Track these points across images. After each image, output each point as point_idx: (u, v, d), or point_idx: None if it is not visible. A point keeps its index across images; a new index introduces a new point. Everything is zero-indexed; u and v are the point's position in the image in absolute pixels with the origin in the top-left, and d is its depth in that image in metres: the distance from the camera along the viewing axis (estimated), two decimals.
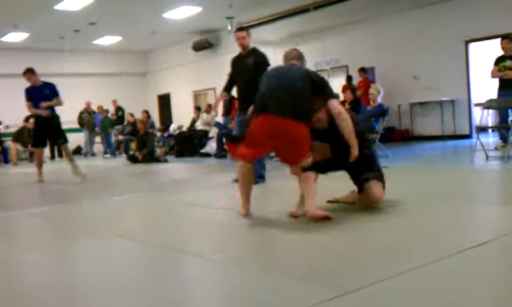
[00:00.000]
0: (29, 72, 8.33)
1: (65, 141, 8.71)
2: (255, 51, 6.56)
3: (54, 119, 8.43)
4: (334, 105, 4.06)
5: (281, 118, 3.91)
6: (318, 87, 4.08)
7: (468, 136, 11.86)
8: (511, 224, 3.50)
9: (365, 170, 4.16)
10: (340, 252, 3.11)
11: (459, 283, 2.43)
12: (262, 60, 6.38)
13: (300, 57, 4.50)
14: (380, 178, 4.18)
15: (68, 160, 8.71)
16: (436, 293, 2.29)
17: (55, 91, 8.38)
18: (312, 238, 3.55)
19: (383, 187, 4.15)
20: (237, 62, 6.68)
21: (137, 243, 3.81)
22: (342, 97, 11.52)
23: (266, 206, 5.11)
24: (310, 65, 15.55)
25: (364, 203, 4.19)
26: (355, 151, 4.00)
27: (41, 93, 8.29)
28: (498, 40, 9.12)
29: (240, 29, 6.68)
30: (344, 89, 12.28)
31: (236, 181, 6.12)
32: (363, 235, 3.57)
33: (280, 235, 3.76)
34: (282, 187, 5.94)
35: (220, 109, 14.39)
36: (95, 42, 17.76)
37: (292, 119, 3.90)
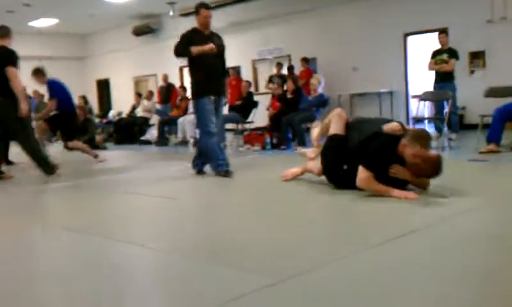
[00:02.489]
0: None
1: None
2: (214, 33, 6.24)
3: None
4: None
5: None
6: None
7: None
8: (440, 213, 3.62)
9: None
10: (282, 239, 3.12)
11: (396, 266, 2.50)
12: (223, 45, 6.22)
13: None
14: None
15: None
16: (371, 277, 2.35)
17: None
18: (253, 226, 3.56)
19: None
20: (196, 39, 5.95)
21: (77, 233, 3.69)
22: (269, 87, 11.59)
23: (209, 195, 5.09)
24: (253, 54, 15.66)
25: None
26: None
27: None
28: (436, 34, 9.40)
29: (208, 7, 6.19)
30: (270, 79, 12.39)
31: (199, 172, 6.05)
32: (303, 221, 3.60)
33: (221, 224, 3.74)
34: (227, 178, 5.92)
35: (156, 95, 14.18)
36: (30, 24, 17.04)
37: None
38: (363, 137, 4.39)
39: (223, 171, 5.89)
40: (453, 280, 2.31)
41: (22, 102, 6.37)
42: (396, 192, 4.08)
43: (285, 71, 12.97)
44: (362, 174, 4.17)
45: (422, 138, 4.08)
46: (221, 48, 6.11)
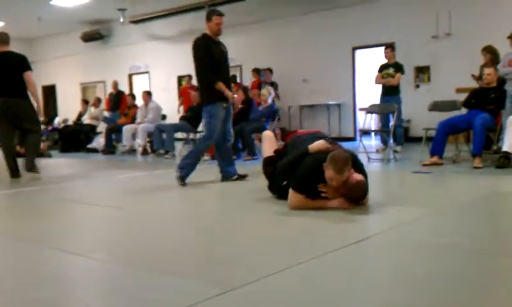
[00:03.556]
0: None
1: None
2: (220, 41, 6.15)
3: None
4: None
5: None
6: None
7: (353, 139, 12.42)
8: (384, 222, 3.69)
9: None
10: (232, 248, 3.10)
11: (342, 273, 2.52)
12: (227, 51, 6.15)
13: None
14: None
15: None
16: (322, 283, 2.37)
17: None
18: (198, 236, 3.53)
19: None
20: (217, 49, 5.93)
21: (16, 241, 3.56)
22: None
23: (155, 205, 5.02)
24: None
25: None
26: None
27: None
28: (383, 49, 9.63)
29: (221, 13, 6.02)
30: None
31: (181, 181, 5.93)
32: (253, 230, 3.60)
33: (166, 234, 3.69)
34: (171, 184, 5.86)
35: (104, 103, 13.93)
36: None
37: None
38: (292, 157, 4.40)
39: (236, 175, 6.14)
40: (395, 286, 2.35)
41: (38, 103, 7.12)
42: (330, 203, 4.09)
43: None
44: (293, 197, 4.20)
45: (336, 162, 3.93)
46: (226, 55, 6.08)
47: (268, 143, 5.08)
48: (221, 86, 5.76)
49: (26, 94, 6.97)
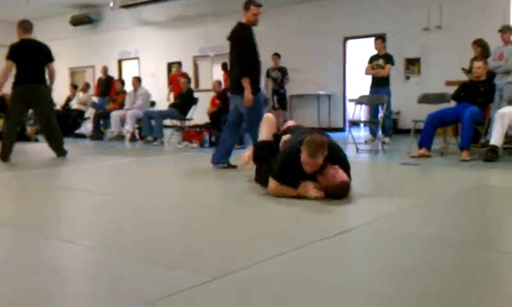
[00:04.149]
0: None
1: None
2: None
3: None
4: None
5: None
6: None
7: (342, 129, 12.44)
8: (372, 213, 3.70)
9: None
10: (215, 238, 3.10)
11: (328, 264, 2.52)
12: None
13: None
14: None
15: None
16: (308, 274, 2.37)
17: None
18: (184, 224, 3.52)
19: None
20: (254, 38, 6.14)
21: (4, 227, 3.51)
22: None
23: (144, 192, 5.00)
24: (194, 51, 15.54)
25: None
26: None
27: None
28: (373, 39, 9.63)
29: (259, 4, 6.11)
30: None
31: (228, 166, 5.89)
32: (238, 220, 3.59)
33: (154, 222, 3.68)
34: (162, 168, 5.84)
35: (93, 88, 13.84)
36: None
37: None
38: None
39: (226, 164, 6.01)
40: (382, 277, 2.36)
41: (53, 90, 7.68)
42: (310, 192, 4.03)
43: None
44: (271, 184, 4.19)
45: (310, 144, 3.89)
46: None
47: (266, 126, 4.93)
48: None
49: (45, 81, 7.39)
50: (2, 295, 2.27)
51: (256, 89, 5.83)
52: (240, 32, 5.86)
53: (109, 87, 12.99)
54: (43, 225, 3.59)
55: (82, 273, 2.65)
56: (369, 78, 9.41)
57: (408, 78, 11.61)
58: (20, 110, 7.41)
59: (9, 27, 19.17)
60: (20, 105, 7.31)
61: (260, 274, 2.43)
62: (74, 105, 13.20)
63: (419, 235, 3.11)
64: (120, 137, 11.02)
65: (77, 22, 17.28)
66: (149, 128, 10.14)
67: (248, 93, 5.65)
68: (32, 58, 7.23)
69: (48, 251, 2.96)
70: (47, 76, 7.39)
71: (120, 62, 17.25)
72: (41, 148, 9.18)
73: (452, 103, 7.38)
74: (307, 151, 3.89)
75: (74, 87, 13.96)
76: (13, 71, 7.28)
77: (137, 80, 11.18)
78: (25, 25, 7.49)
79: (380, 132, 8.25)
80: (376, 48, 9.36)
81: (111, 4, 15.13)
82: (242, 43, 5.85)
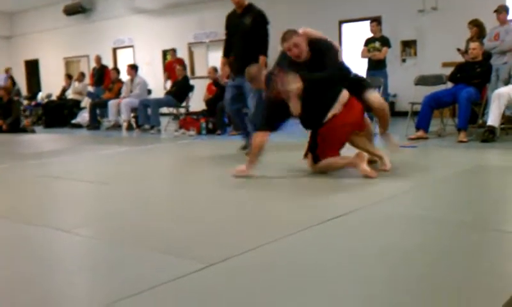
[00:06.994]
0: None
1: None
2: (251, 8, 6.01)
3: None
4: None
5: None
6: None
7: None
8: (370, 196, 3.69)
9: None
10: (211, 225, 3.09)
11: (322, 249, 2.52)
12: (259, 19, 5.98)
13: None
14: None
15: None
16: (302, 259, 2.38)
17: None
18: (180, 212, 3.51)
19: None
20: (232, 22, 6.03)
21: (0, 218, 3.51)
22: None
23: (141, 181, 4.99)
24: (189, 37, 15.46)
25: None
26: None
27: None
28: (368, 22, 9.57)
29: None
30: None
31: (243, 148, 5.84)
32: (234, 207, 3.58)
33: (150, 211, 3.67)
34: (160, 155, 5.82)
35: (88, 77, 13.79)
36: None
37: None
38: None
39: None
40: (378, 261, 2.35)
41: None
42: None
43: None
44: (256, 137, 4.36)
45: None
46: (245, 27, 6.00)
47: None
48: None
49: None
50: (1, 283, 2.27)
51: (234, 73, 5.90)
52: (266, 19, 6.11)
53: (103, 77, 12.94)
54: (39, 215, 3.58)
55: (79, 261, 2.64)
56: (365, 62, 9.36)
57: (404, 60, 11.57)
58: None
59: (3, 18, 19.10)
60: None
61: (256, 260, 2.42)
62: (70, 95, 13.15)
63: (415, 217, 3.10)
64: (117, 126, 10.99)
65: (70, 11, 17.17)
66: (145, 116, 10.09)
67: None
68: None
69: (43, 241, 2.94)
70: None
71: (114, 50, 17.17)
72: (37, 139, 9.17)
73: (449, 85, 7.36)
74: (281, 40, 4.48)
75: (69, 77, 13.89)
76: None
77: (132, 68, 11.07)
78: None
79: None
80: (372, 31, 9.32)
81: None
82: (264, 30, 6.10)
